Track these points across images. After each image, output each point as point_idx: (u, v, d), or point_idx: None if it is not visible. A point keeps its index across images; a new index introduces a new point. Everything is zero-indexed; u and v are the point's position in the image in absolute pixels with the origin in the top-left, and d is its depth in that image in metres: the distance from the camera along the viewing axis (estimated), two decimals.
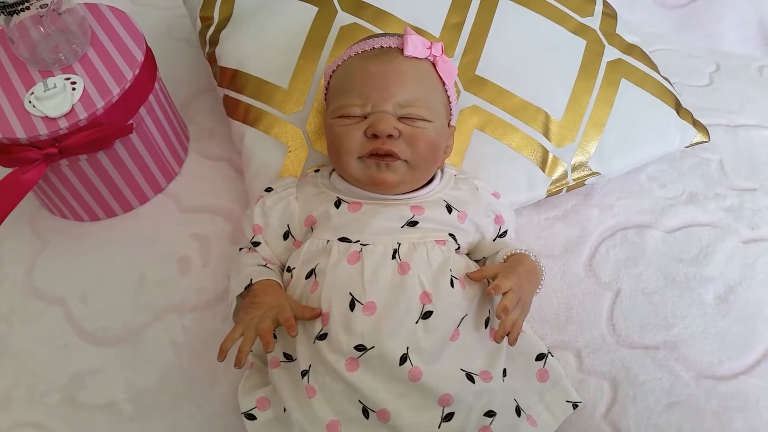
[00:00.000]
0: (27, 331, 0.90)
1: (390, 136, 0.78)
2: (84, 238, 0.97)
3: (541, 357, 0.81)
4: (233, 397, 0.80)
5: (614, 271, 0.92)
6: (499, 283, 0.73)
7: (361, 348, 0.72)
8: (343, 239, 0.78)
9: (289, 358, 0.77)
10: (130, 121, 0.90)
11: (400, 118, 0.79)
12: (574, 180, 0.96)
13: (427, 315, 0.74)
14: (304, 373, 0.74)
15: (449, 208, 0.82)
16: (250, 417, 0.77)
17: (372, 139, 0.78)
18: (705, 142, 1.03)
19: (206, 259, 0.94)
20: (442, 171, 0.87)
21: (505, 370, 0.78)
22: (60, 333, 0.90)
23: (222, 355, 0.71)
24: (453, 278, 0.77)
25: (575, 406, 0.79)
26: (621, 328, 0.88)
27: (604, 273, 0.92)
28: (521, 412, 0.76)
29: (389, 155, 0.78)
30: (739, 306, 0.89)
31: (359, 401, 0.72)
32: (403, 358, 0.72)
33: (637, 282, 0.91)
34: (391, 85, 0.79)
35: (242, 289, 0.78)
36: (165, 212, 0.99)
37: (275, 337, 0.78)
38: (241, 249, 0.85)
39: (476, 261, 0.84)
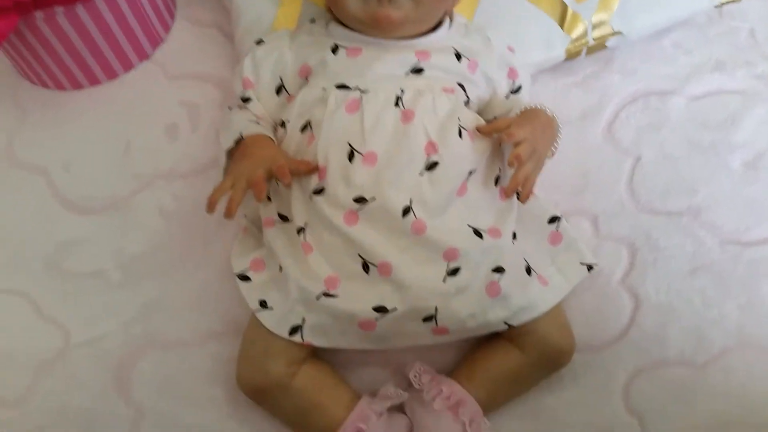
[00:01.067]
0: (7, 200, 0.85)
1: None
2: (66, 106, 0.91)
3: (553, 220, 0.75)
4: (226, 263, 0.75)
5: (635, 137, 0.86)
6: (513, 130, 0.66)
7: (360, 200, 0.67)
8: (341, 86, 0.71)
9: (284, 219, 0.72)
10: None
11: None
12: (594, 39, 0.88)
13: (432, 166, 0.68)
14: (300, 231, 0.69)
15: (458, 56, 0.74)
16: (244, 278, 0.72)
17: None
18: (735, 1, 0.94)
19: (195, 125, 0.87)
20: (451, 19, 0.79)
21: (514, 234, 0.72)
22: (43, 203, 0.84)
23: (211, 208, 0.65)
24: (461, 129, 0.70)
25: (590, 269, 0.74)
26: (641, 193, 0.82)
27: (624, 139, 0.86)
28: (532, 271, 0.70)
29: None
30: None
31: (359, 255, 0.67)
32: (406, 211, 0.66)
33: (660, 148, 0.85)
34: None
35: (232, 143, 0.72)
36: (151, 79, 0.92)
37: (269, 199, 0.73)
38: (230, 107, 0.79)
39: (487, 122, 0.77)
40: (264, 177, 0.66)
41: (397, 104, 0.70)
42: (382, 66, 0.72)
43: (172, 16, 0.98)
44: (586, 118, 0.87)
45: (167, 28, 0.96)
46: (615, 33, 0.88)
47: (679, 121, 0.87)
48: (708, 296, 0.75)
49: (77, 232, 0.82)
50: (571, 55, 0.88)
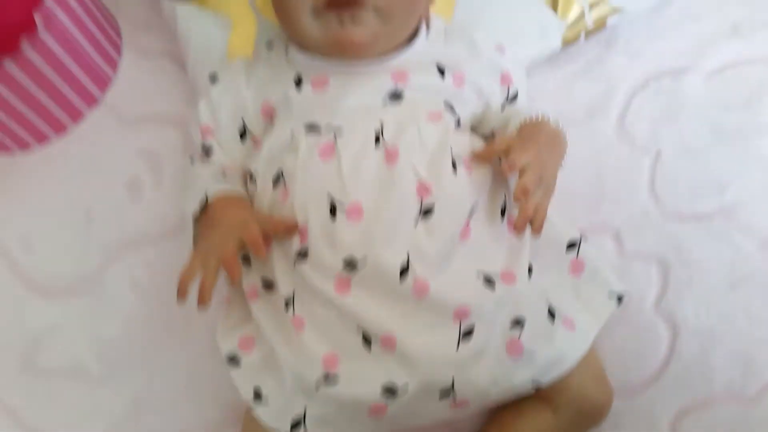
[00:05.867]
0: None
1: None
2: (15, 173, 0.81)
3: (572, 245, 0.66)
4: (213, 338, 0.67)
5: (651, 130, 0.76)
6: (514, 157, 0.57)
7: (351, 263, 0.58)
8: (310, 127, 0.62)
9: (269, 285, 0.63)
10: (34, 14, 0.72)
11: None
12: (593, 21, 0.78)
13: (427, 212, 0.59)
14: (288, 303, 0.60)
15: (441, 71, 0.64)
16: (234, 361, 0.63)
17: None
18: None
19: (158, 179, 0.78)
20: (428, 24, 0.68)
21: (530, 267, 0.63)
22: (7, 288, 0.75)
23: (182, 294, 0.56)
24: (455, 161, 0.61)
25: (620, 300, 0.65)
26: (666, 197, 0.73)
27: (639, 133, 0.76)
28: (555, 315, 0.62)
29: (351, 2, 0.59)
30: None
31: (358, 327, 0.58)
32: (404, 271, 0.57)
33: (680, 139, 0.76)
34: None
35: (197, 207, 0.62)
36: (104, 128, 0.82)
37: (249, 262, 0.63)
38: (192, 159, 0.69)
39: (483, 139, 0.67)
40: (236, 253, 0.57)
41: (377, 141, 0.60)
42: (355, 96, 0.62)
43: (118, 50, 0.87)
44: (594, 113, 0.78)
45: (114, 65, 0.86)
46: (615, 10, 0.78)
47: (696, 105, 0.77)
48: (753, 312, 0.67)
49: (48, 318, 0.73)
50: (568, 43, 0.78)
